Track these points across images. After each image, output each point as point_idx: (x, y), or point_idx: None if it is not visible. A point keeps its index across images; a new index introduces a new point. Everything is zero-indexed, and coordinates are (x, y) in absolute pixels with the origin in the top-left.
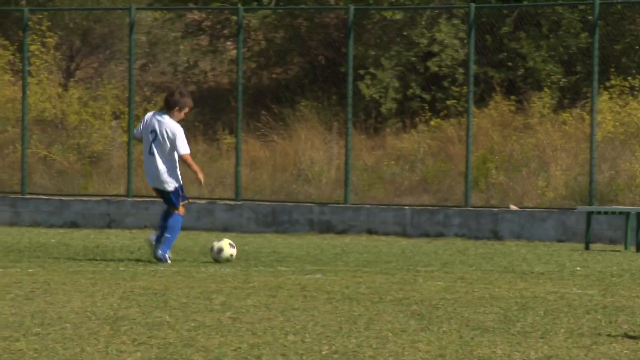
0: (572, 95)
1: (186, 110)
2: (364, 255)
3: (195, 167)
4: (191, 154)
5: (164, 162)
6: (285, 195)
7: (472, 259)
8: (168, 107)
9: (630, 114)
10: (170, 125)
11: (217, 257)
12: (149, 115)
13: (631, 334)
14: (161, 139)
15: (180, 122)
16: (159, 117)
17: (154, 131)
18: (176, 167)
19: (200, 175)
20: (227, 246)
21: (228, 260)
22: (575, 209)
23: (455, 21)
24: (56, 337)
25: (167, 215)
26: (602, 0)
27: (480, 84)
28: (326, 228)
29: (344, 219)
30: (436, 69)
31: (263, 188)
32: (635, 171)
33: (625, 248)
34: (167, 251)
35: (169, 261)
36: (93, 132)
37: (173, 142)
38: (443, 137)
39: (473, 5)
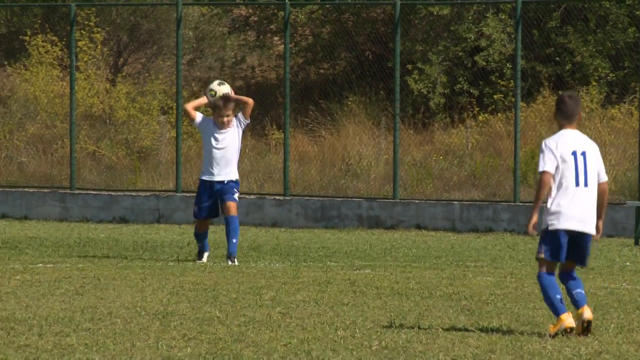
0: (620, 90)
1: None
2: (413, 251)
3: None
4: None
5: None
6: (333, 190)
7: (522, 254)
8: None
9: None
10: None
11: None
12: None
13: None
14: None
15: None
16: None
17: None
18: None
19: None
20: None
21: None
22: (624, 204)
23: (502, 16)
24: (107, 332)
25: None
26: None
27: (528, 78)
28: (375, 223)
29: (392, 214)
30: (484, 63)
31: (311, 183)
32: None
33: None
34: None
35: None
36: (141, 128)
37: None
38: (491, 132)
39: None
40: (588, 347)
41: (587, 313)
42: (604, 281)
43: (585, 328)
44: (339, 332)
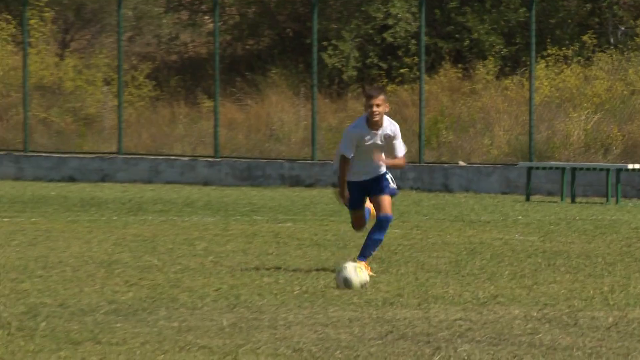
0: (512, 64)
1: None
2: (330, 206)
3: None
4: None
5: None
6: (259, 152)
7: (426, 209)
8: None
9: (564, 80)
10: None
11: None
12: None
13: (567, 275)
14: None
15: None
16: None
17: None
18: None
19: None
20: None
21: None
22: (516, 164)
23: None
24: (57, 279)
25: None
26: None
27: (431, 53)
28: (295, 182)
29: (311, 173)
30: (391, 40)
31: (239, 146)
32: (570, 131)
33: (561, 199)
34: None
35: None
36: (87, 97)
37: None
38: (398, 101)
39: None
40: (485, 291)
41: None
42: (499, 233)
43: None
44: (264, 279)
